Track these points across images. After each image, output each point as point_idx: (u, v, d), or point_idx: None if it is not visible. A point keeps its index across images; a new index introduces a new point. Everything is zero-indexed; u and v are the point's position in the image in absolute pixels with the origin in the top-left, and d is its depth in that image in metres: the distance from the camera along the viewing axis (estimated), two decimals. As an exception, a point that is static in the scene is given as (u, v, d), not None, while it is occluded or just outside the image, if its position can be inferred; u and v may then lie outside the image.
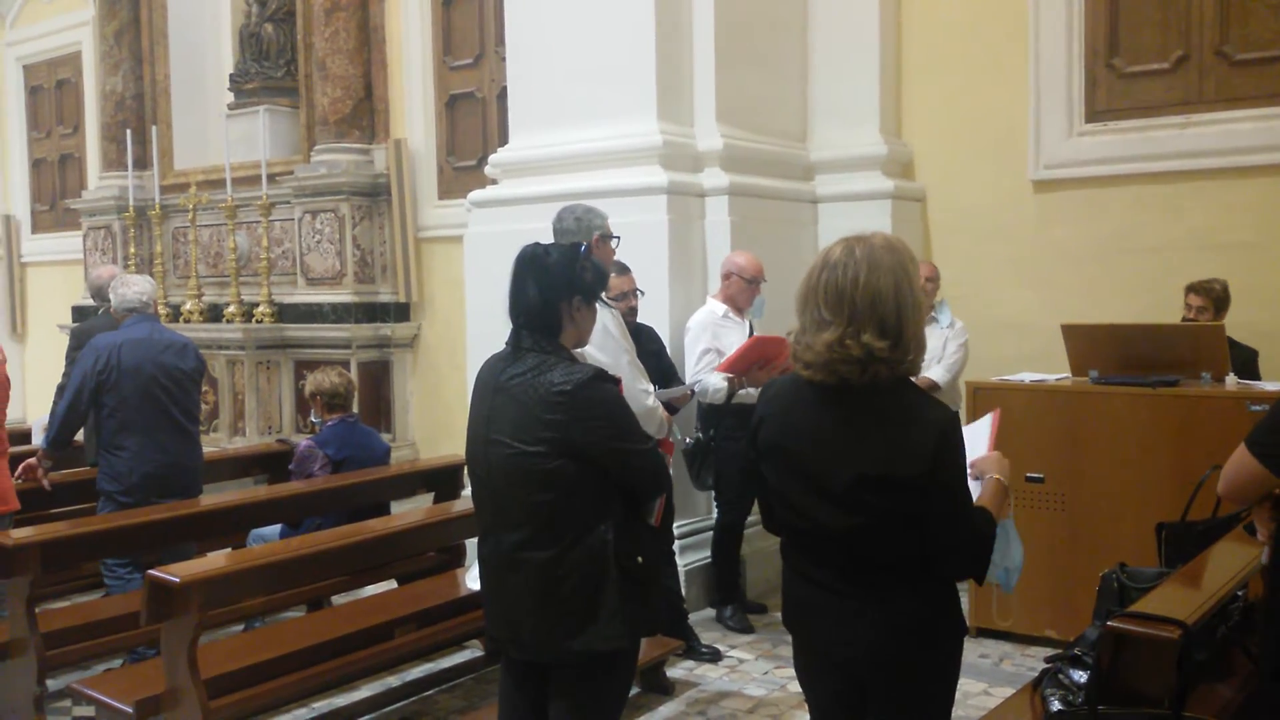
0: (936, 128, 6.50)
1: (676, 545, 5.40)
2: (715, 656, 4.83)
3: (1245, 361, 5.00)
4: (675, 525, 5.42)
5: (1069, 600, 4.59)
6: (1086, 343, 4.88)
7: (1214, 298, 5.16)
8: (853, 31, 6.46)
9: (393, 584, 5.03)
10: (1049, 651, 3.55)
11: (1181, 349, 4.70)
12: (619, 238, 4.48)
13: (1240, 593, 3.13)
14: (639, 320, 4.89)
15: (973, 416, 4.82)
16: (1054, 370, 5.08)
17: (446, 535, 4.74)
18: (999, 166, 6.26)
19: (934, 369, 5.51)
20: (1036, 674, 3.09)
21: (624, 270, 4.78)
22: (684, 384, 4.94)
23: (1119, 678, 2.55)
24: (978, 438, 2.57)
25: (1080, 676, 2.82)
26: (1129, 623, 2.59)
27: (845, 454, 2.22)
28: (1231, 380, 4.63)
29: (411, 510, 5.13)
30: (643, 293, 4.86)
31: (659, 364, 4.90)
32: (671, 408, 4.72)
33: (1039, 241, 6.14)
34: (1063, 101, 6.05)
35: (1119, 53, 5.96)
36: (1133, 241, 5.83)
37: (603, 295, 2.91)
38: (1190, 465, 4.02)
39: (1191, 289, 5.22)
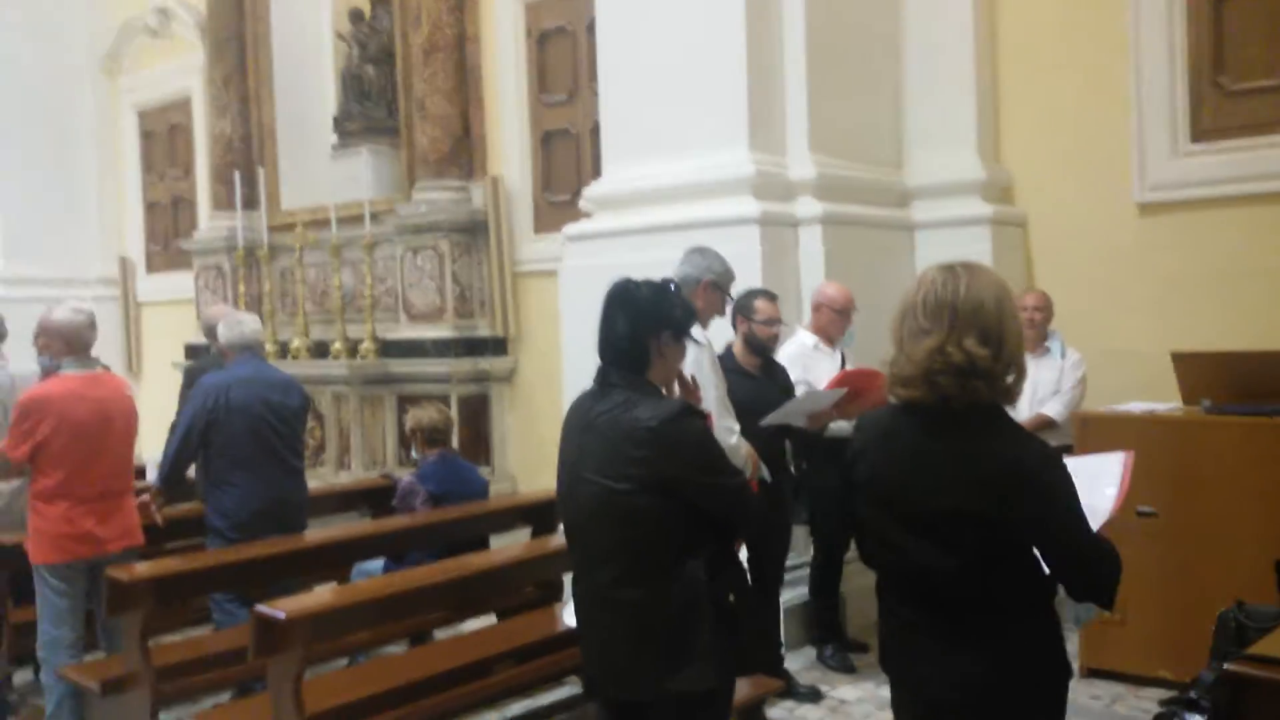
0: (1036, 151, 6.37)
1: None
2: (815, 696, 4.76)
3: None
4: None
5: (1184, 639, 4.40)
6: (1198, 371, 4.72)
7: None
8: (947, 54, 6.38)
9: (492, 618, 5.06)
10: (1163, 693, 3.43)
11: (1299, 376, 4.52)
12: (732, 298, 4.45)
13: (1369, 634, 2.98)
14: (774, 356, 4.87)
15: (1081, 449, 4.68)
16: (1165, 399, 4.91)
17: (544, 570, 4.76)
18: (1102, 189, 6.10)
19: (1050, 404, 5.37)
20: (1150, 718, 2.98)
21: (772, 298, 4.80)
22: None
23: (1239, 724, 2.45)
24: (1097, 474, 2.48)
25: (1197, 722, 2.72)
26: (1249, 666, 2.48)
27: (941, 490, 2.18)
28: (1354, 408, 4.43)
29: (510, 545, 5.17)
30: (785, 324, 4.85)
31: (790, 397, 4.80)
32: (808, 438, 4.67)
33: (1146, 266, 5.95)
34: (1166, 121, 5.88)
35: (1224, 70, 5.77)
36: (1244, 265, 5.61)
37: (693, 332, 2.91)
38: (1312, 498, 3.85)
39: None
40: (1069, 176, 6.24)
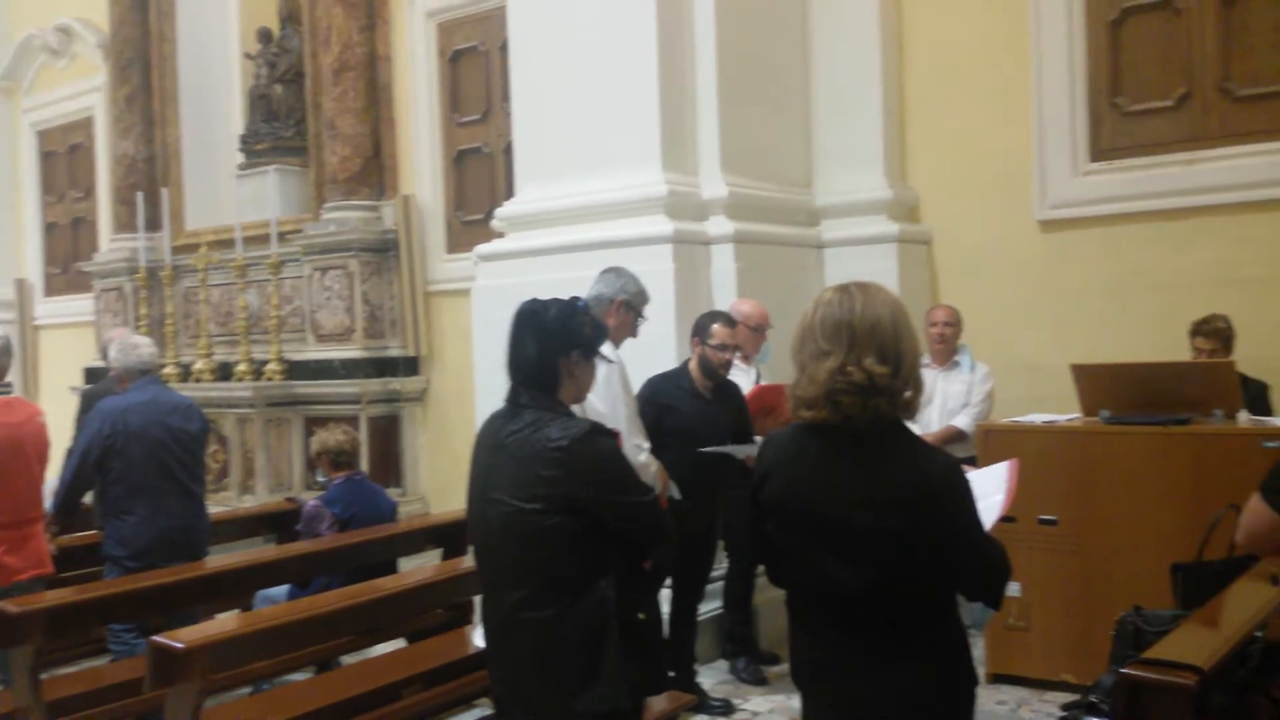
0: (941, 170, 6.51)
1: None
2: (728, 710, 4.76)
3: (1255, 395, 4.95)
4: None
5: (1085, 643, 4.50)
6: (1097, 383, 4.83)
7: (1222, 337, 5.10)
8: (854, 77, 6.49)
9: (402, 643, 4.97)
10: (1066, 697, 3.49)
11: (1193, 387, 4.66)
12: (645, 319, 4.44)
13: (1259, 634, 3.07)
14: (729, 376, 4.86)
15: (984, 460, 4.76)
16: (1065, 411, 5.03)
17: (455, 592, 4.69)
18: (1005, 207, 6.25)
19: (960, 416, 5.47)
20: (1053, 723, 3.04)
21: (731, 322, 4.81)
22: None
23: (1137, 726, 2.50)
24: (991, 483, 2.52)
25: (1097, 726, 2.77)
26: (1145, 669, 2.53)
27: (847, 507, 2.19)
28: (1244, 417, 4.58)
29: (420, 567, 5.08)
30: (739, 348, 4.85)
31: (741, 420, 4.84)
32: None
33: (1047, 282, 6.11)
34: (1067, 141, 6.06)
35: (1122, 91, 5.97)
36: (1142, 279, 5.80)
37: (604, 351, 2.90)
38: (1205, 504, 3.95)
39: (1197, 332, 5.14)
40: (973, 195, 6.39)
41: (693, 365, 4.75)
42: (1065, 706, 3.03)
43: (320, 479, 5.37)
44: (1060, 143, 6.08)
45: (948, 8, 6.44)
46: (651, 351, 4.90)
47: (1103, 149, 6.04)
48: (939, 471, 2.18)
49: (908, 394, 2.22)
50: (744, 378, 5.16)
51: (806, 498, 2.25)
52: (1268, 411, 4.92)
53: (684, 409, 4.60)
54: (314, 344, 8.42)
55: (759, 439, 4.90)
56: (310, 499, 5.28)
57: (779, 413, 4.85)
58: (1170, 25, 5.80)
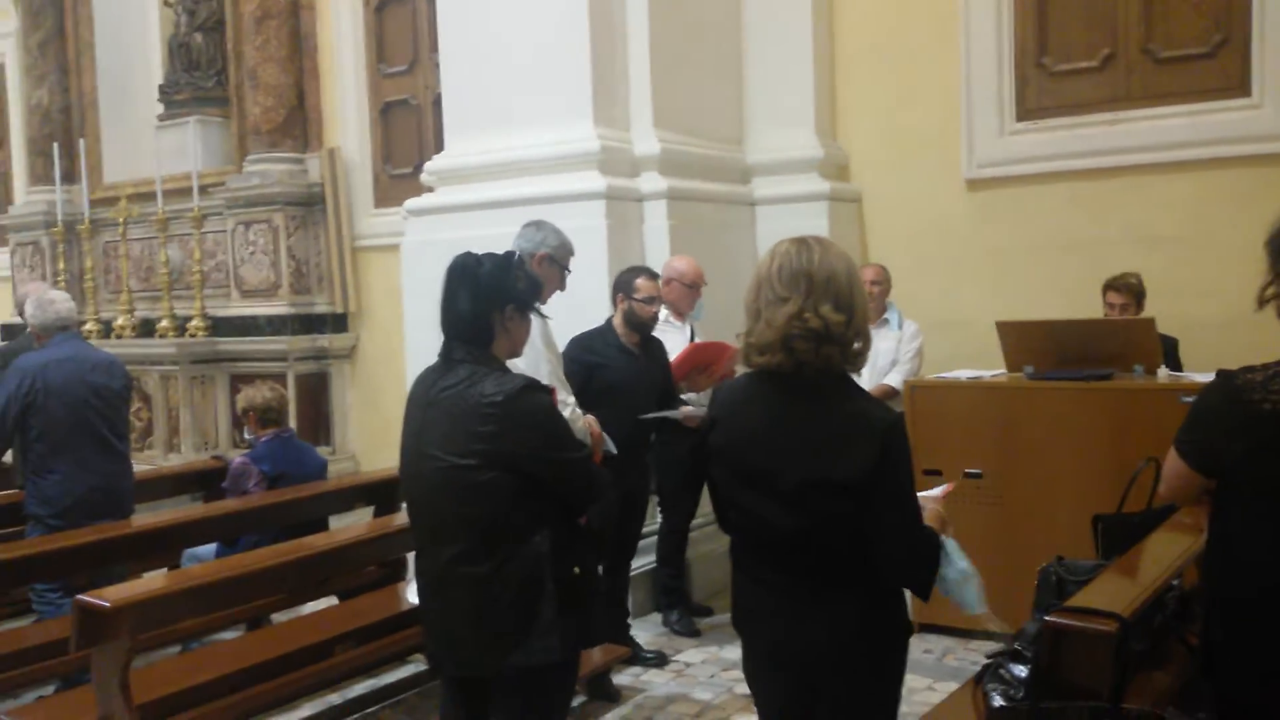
0: (871, 129, 6.55)
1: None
2: (661, 661, 4.81)
3: (1166, 351, 5.08)
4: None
5: (1009, 594, 4.53)
6: (1021, 339, 4.93)
7: (1133, 293, 5.22)
8: (786, 35, 6.48)
9: (333, 600, 4.94)
10: (991, 646, 3.57)
11: (1114, 343, 4.77)
12: (569, 272, 4.40)
13: (1176, 582, 3.18)
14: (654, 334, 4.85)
15: (912, 416, 4.84)
16: (991, 367, 5.13)
17: (387, 549, 4.67)
18: (933, 166, 6.31)
19: (891, 374, 5.53)
20: (978, 669, 3.11)
21: (654, 275, 4.80)
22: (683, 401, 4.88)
23: (1059, 671, 2.58)
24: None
25: (1021, 671, 2.84)
26: (1067, 617, 2.61)
27: (794, 456, 2.22)
28: (1163, 372, 4.71)
29: (351, 525, 5.05)
30: (661, 301, 4.84)
31: (665, 377, 4.84)
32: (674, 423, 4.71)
33: (974, 240, 6.20)
34: (994, 101, 6.13)
35: (1048, 52, 6.04)
36: (1066, 238, 5.91)
37: (536, 305, 2.88)
38: (1125, 457, 4.05)
39: (1110, 286, 5.26)
40: (902, 154, 6.44)
41: (617, 321, 4.74)
42: (989, 654, 3.10)
43: (247, 436, 5.29)
44: (987, 103, 6.15)
45: (879, -34, 6.45)
46: (584, 309, 4.88)
47: (1029, 109, 6.12)
48: (887, 423, 2.22)
49: (857, 345, 2.26)
50: (679, 335, 5.18)
51: (754, 443, 2.28)
52: (1177, 366, 5.07)
53: (613, 365, 4.60)
54: (239, 300, 8.25)
55: (692, 397, 4.93)
56: (237, 456, 5.20)
57: (714, 369, 4.88)
58: (1096, -14, 5.88)
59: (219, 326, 8.24)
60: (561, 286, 4.36)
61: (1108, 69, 5.88)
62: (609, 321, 4.77)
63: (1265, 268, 2.11)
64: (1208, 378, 4.19)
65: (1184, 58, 5.68)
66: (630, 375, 4.60)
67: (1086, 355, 4.75)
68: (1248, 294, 2.17)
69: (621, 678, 4.63)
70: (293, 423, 7.41)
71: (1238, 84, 5.55)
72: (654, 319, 4.75)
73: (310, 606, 4.97)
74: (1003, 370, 5.03)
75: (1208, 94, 5.60)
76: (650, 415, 4.58)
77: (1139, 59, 5.80)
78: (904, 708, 2.43)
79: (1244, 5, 5.49)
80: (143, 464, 6.82)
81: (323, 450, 6.98)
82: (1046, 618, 2.65)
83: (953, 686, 3.70)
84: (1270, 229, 2.12)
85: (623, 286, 4.73)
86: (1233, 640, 2.11)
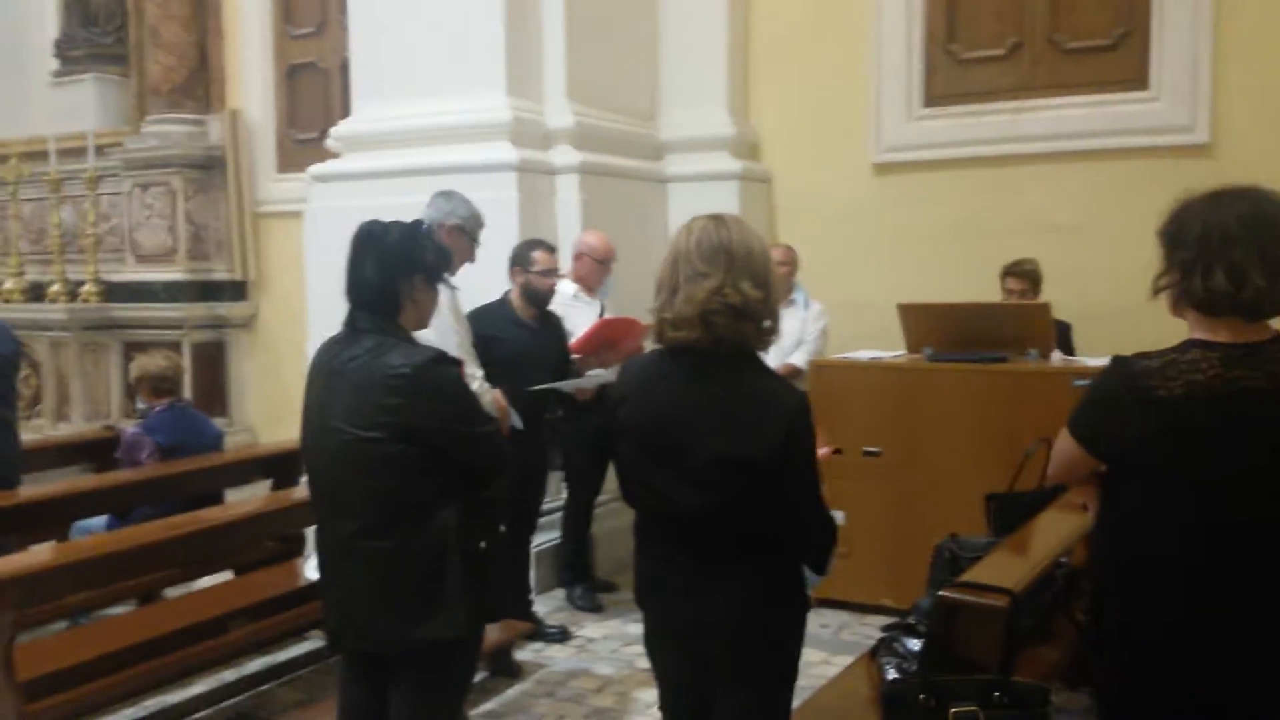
0: (782, 110, 6.60)
1: (526, 526, 5.38)
2: (563, 637, 4.82)
3: (1061, 335, 5.24)
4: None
5: (905, 570, 4.71)
6: (921, 321, 5.03)
7: (1031, 279, 5.37)
8: (701, 13, 6.48)
9: (229, 575, 4.84)
10: (886, 620, 3.65)
11: (1010, 327, 4.89)
12: (479, 243, 4.35)
13: (1064, 560, 3.28)
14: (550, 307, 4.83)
15: (815, 394, 4.91)
16: (892, 348, 5.22)
17: (285, 524, 4.58)
18: (842, 149, 6.39)
19: (796, 354, 5.58)
20: (873, 643, 3.18)
21: (551, 249, 4.76)
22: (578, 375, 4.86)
23: (951, 645, 2.64)
24: None
25: (914, 645, 2.91)
26: (960, 592, 2.68)
27: (703, 433, 2.23)
28: (1057, 356, 4.85)
29: (248, 498, 4.94)
30: (564, 275, 4.81)
31: (562, 351, 4.83)
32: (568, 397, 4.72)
33: (880, 223, 6.29)
34: (902, 86, 6.22)
35: (956, 39, 6.15)
36: (969, 223, 6.03)
37: (445, 275, 2.84)
38: (1019, 438, 4.14)
39: (1008, 272, 5.40)
40: (812, 136, 6.50)
41: (514, 295, 4.72)
42: (885, 628, 3.17)
43: (140, 406, 5.13)
44: (896, 87, 6.24)
45: (794, -53, 6.48)
46: (495, 282, 4.84)
47: (936, 95, 6.22)
48: (794, 402, 2.25)
49: (768, 323, 2.27)
50: (589, 310, 5.16)
51: (663, 420, 2.28)
52: (1071, 351, 5.22)
53: (510, 339, 4.56)
54: (134, 265, 8.01)
55: (597, 373, 4.92)
56: (130, 426, 5.05)
57: (623, 345, 4.87)
58: (1005, -24, 5.99)
59: (113, 292, 8.00)
60: (471, 258, 4.31)
61: (1014, 58, 6.01)
62: (505, 295, 4.73)
63: (1159, 257, 2.17)
64: (1100, 362, 4.32)
65: (1088, 49, 5.82)
66: (527, 349, 4.56)
67: (983, 338, 4.87)
68: (1141, 282, 2.24)
69: (523, 653, 4.63)
70: (188, 393, 7.22)
71: (1137, 77, 5.71)
72: (551, 292, 4.74)
73: (204, 581, 4.86)
74: (903, 351, 5.13)
75: (1109, 86, 5.76)
76: (540, 387, 4.56)
77: (1045, 49, 5.93)
78: (801, 681, 2.47)
79: (1144, 1, 5.65)
80: (30, 433, 6.57)
81: (219, 421, 6.81)
82: (940, 593, 2.71)
83: (848, 660, 3.78)
84: (1162, 219, 2.18)
85: (519, 259, 4.70)
86: (1124, 617, 2.18)
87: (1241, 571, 2.08)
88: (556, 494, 5.54)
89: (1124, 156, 5.67)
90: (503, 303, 4.70)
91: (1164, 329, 2.23)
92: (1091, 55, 5.82)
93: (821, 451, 2.38)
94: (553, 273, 4.72)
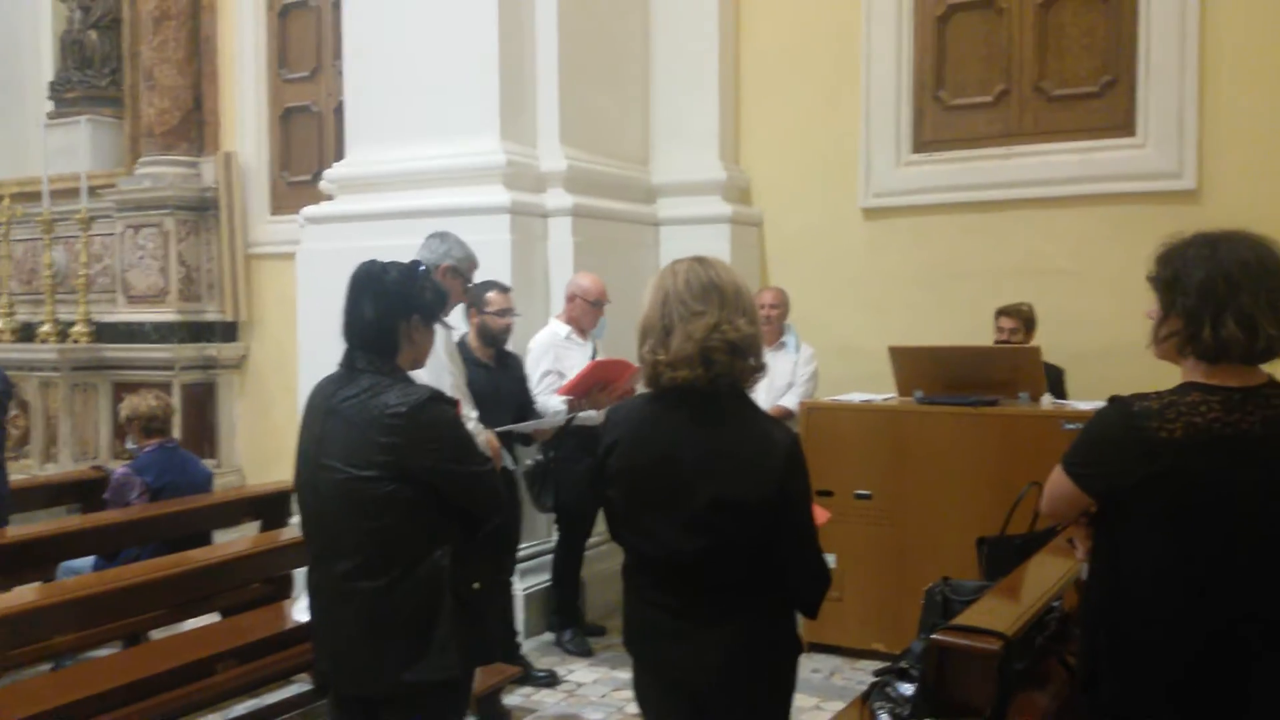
0: (773, 155, 6.66)
1: (516, 569, 5.34)
2: (552, 681, 4.78)
3: (1052, 381, 5.26)
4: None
5: (896, 614, 4.71)
6: (912, 364, 5.05)
7: (1024, 319, 5.41)
8: (693, 58, 6.56)
9: (216, 617, 4.80)
10: (878, 665, 3.63)
11: (1001, 370, 4.92)
12: (470, 284, 4.38)
13: (1056, 604, 3.27)
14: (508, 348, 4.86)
15: (806, 436, 4.92)
16: (883, 391, 5.23)
17: (273, 565, 4.56)
18: (832, 193, 6.44)
19: (787, 396, 5.59)
20: (866, 688, 3.16)
21: (505, 289, 4.79)
22: (539, 414, 4.87)
23: (944, 689, 2.62)
24: None
25: (907, 689, 2.89)
26: (953, 635, 2.66)
27: (698, 477, 2.22)
28: (1047, 399, 4.87)
29: (236, 539, 4.92)
30: (519, 315, 4.81)
31: (521, 391, 4.85)
32: (526, 438, 4.73)
33: (870, 267, 6.34)
34: (891, 132, 6.28)
35: (945, 86, 6.22)
36: (957, 267, 6.08)
37: (441, 317, 2.85)
38: (1009, 481, 4.16)
39: (1002, 312, 5.46)
40: (803, 180, 6.56)
41: (471, 337, 4.75)
42: (877, 672, 3.15)
43: (130, 446, 5.12)
44: (885, 133, 6.30)
45: (784, -4, 6.58)
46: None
47: (925, 141, 6.29)
48: (787, 441, 2.25)
49: (753, 360, 2.28)
50: (581, 352, 5.17)
51: (655, 464, 2.27)
52: (1064, 396, 5.24)
53: (470, 380, 4.56)
54: (125, 306, 8.02)
55: (594, 413, 4.92)
56: (119, 467, 5.03)
57: (615, 387, 4.88)
58: (993, 24, 6.09)
59: (103, 333, 8.00)
60: (464, 299, 4.34)
61: (1001, 104, 6.09)
62: (463, 337, 4.75)
63: (1157, 304, 2.16)
64: (1091, 405, 4.35)
65: (1074, 96, 5.90)
66: (484, 390, 4.54)
67: (974, 381, 4.89)
68: (1129, 325, 2.26)
69: (512, 698, 4.58)
70: (177, 433, 7.19)
71: (1124, 124, 5.79)
72: (506, 331, 4.78)
73: (191, 623, 4.81)
74: (894, 394, 5.14)
75: (1096, 132, 5.83)
76: (499, 430, 4.56)
77: (1031, 96, 6.01)
78: (794, 726, 2.45)
79: (1131, 48, 5.74)
80: (18, 473, 6.54)
81: (208, 463, 6.79)
82: (933, 636, 2.70)
83: (840, 705, 3.74)
84: (1153, 263, 2.19)
85: (474, 301, 4.73)
86: (1117, 659, 2.18)
87: (1234, 613, 2.08)
88: (547, 536, 5.52)
89: (1112, 202, 5.72)
90: (461, 344, 4.71)
91: (1154, 372, 2.24)
92: (1078, 102, 5.89)
93: (820, 517, 2.39)
94: (508, 312, 4.75)
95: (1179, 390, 2.12)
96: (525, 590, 5.33)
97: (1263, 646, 2.09)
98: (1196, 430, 2.05)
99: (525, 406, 4.79)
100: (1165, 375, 2.19)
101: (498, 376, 4.71)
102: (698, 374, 2.22)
